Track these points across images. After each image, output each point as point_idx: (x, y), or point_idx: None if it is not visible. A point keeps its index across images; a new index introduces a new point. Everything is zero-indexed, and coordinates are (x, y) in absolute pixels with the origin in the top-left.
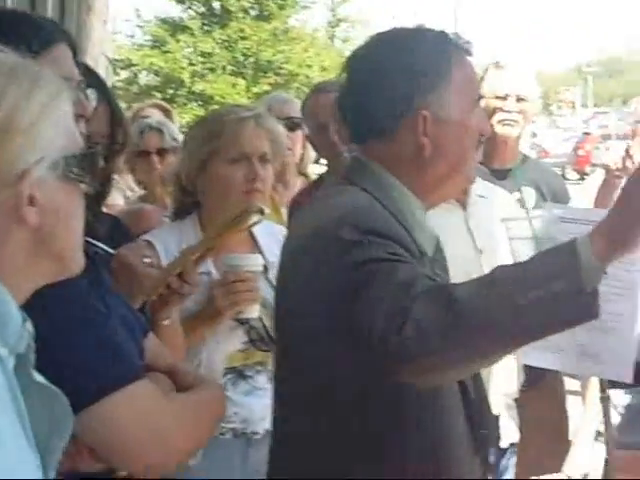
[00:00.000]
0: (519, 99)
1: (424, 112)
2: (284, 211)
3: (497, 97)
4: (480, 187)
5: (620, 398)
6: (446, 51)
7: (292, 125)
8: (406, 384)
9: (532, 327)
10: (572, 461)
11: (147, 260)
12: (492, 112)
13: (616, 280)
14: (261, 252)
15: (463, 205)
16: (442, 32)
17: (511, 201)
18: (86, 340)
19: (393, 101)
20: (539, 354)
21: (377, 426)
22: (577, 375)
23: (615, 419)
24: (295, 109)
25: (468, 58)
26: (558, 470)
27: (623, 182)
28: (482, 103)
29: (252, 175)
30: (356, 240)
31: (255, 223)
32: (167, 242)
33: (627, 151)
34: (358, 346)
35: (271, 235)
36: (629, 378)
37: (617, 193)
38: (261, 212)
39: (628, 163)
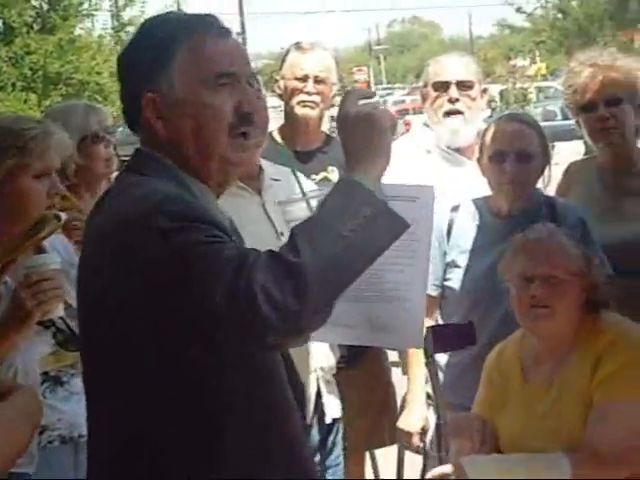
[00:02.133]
0: (317, 81)
1: (149, 95)
2: None
3: (296, 79)
4: (273, 171)
5: (442, 359)
6: (170, 34)
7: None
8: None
9: (365, 253)
10: (406, 420)
11: None
12: (291, 93)
13: (400, 251)
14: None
15: (257, 190)
16: (185, 15)
17: (308, 182)
18: None
19: (128, 90)
20: (329, 330)
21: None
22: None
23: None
24: (98, 119)
25: (215, 39)
26: (388, 443)
27: None
28: (282, 84)
29: (54, 190)
30: (173, 227)
31: (53, 230)
32: None
33: None
34: (190, 332)
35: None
36: (420, 345)
37: None
38: (57, 218)
39: None
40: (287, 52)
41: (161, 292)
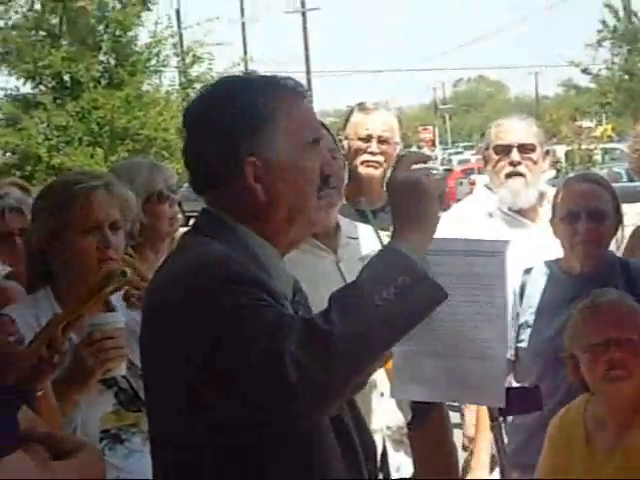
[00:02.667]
0: (381, 140)
1: (251, 158)
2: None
3: (360, 139)
4: (350, 229)
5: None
6: (269, 96)
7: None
8: (283, 426)
9: (397, 323)
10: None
11: (12, 338)
12: (355, 153)
13: (482, 308)
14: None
15: (333, 249)
16: (267, 77)
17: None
18: None
19: (221, 150)
20: (410, 387)
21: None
22: (455, 405)
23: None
24: (163, 177)
25: (300, 101)
26: None
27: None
28: (345, 144)
29: (105, 244)
30: (215, 289)
31: (118, 287)
32: (24, 316)
33: None
34: (227, 394)
35: (119, 297)
36: (502, 402)
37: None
38: (123, 274)
39: None
40: (351, 112)
41: (202, 350)
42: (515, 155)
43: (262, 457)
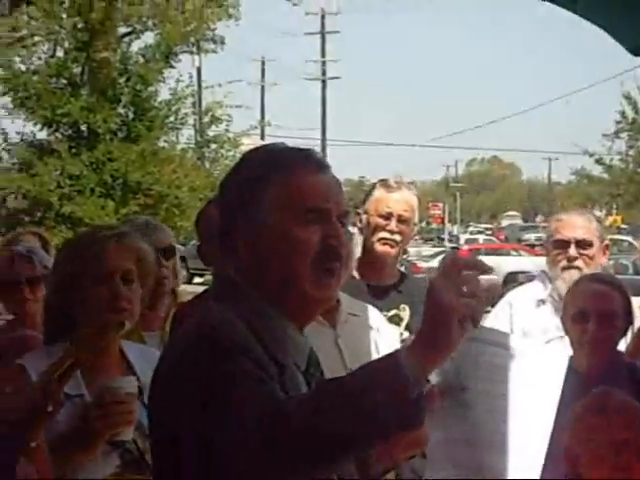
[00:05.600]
0: (401, 220)
1: (244, 224)
2: (155, 334)
3: (380, 216)
4: (351, 305)
5: None
6: (265, 165)
7: (169, 255)
8: None
9: (359, 437)
10: None
11: (8, 389)
12: (374, 230)
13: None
14: (135, 374)
15: (333, 324)
16: (284, 147)
17: (383, 319)
18: None
19: (223, 217)
20: (444, 469)
21: None
22: None
23: None
24: (168, 236)
25: (308, 171)
26: None
27: None
28: (364, 219)
29: (115, 294)
30: (205, 356)
31: (113, 338)
32: (39, 366)
33: None
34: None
35: (144, 357)
36: None
37: None
38: (121, 325)
39: None
40: (373, 188)
41: (193, 415)
42: (572, 251)
43: None
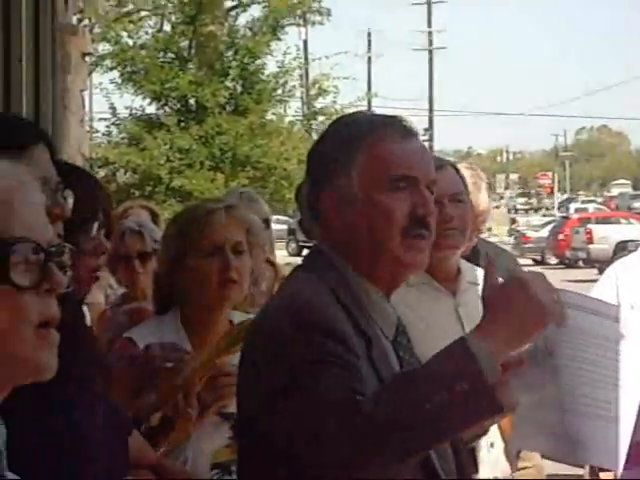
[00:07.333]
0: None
1: (330, 194)
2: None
3: None
4: (471, 273)
5: None
6: (354, 134)
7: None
8: None
9: (442, 429)
10: None
11: (169, 364)
12: None
13: (595, 367)
14: None
15: (453, 292)
16: (374, 115)
17: None
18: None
19: (311, 188)
20: (530, 437)
21: None
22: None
23: None
24: (263, 209)
25: (396, 138)
26: None
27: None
28: None
29: (225, 266)
30: (292, 337)
31: (224, 308)
32: (148, 339)
33: None
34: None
35: None
36: (615, 466)
37: None
38: (233, 297)
39: None
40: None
41: (273, 398)
42: None
43: None
